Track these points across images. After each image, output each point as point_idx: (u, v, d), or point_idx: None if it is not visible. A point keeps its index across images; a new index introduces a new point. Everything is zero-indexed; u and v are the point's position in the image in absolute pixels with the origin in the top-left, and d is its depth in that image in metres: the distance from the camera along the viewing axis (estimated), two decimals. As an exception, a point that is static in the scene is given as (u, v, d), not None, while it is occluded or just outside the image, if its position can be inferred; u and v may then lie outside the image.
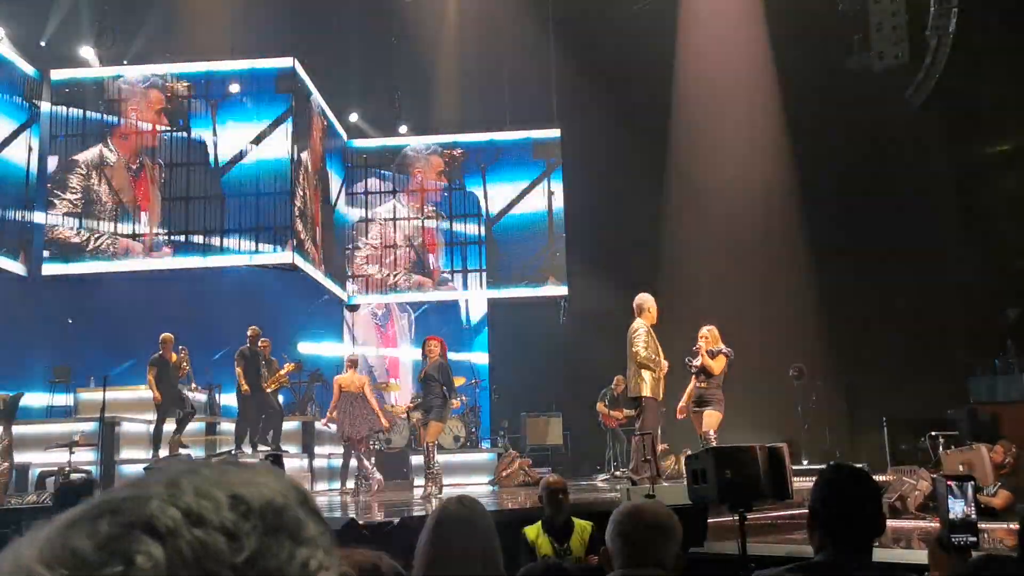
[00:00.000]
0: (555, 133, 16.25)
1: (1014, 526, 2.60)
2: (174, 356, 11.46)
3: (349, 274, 16.20)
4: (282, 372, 12.24)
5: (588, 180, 15.73)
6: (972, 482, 2.26)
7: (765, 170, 14.61)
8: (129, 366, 13.23)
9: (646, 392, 8.57)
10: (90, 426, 10.84)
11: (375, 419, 11.34)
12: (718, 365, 8.90)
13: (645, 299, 8.93)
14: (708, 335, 9.02)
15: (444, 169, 16.41)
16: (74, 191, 13.43)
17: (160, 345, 11.50)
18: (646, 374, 8.56)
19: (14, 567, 0.54)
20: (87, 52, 14.16)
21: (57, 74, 13.74)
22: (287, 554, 0.57)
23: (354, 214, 16.47)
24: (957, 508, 2.20)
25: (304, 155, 13.95)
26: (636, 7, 15.85)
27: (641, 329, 8.70)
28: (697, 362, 8.92)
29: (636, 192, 15.90)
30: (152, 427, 11.26)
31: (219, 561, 0.54)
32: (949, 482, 2.24)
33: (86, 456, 10.34)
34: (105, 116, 13.74)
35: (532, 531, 5.45)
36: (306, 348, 16.02)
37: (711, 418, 8.85)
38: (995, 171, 14.64)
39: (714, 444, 8.03)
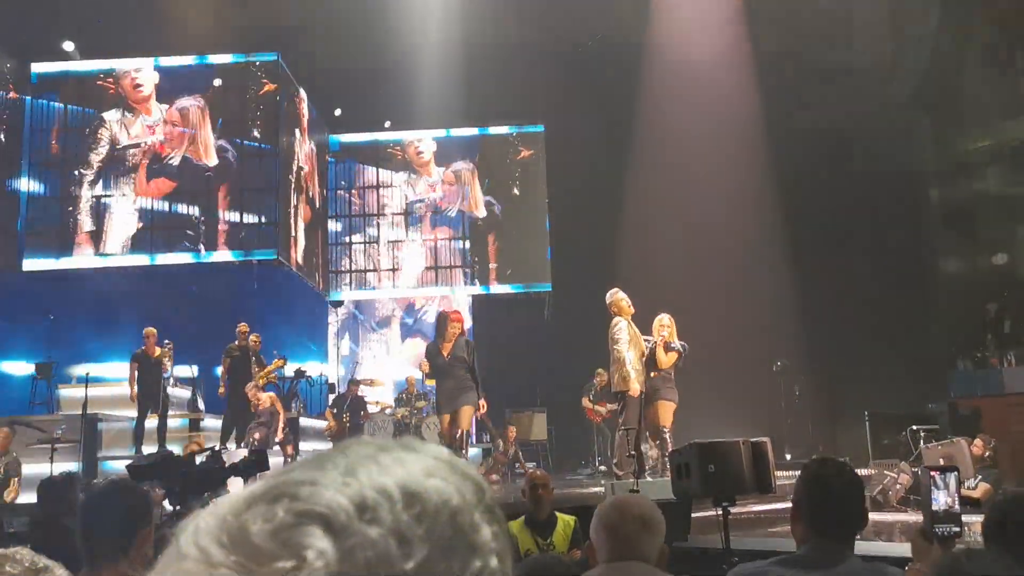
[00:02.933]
0: (538, 128, 16.26)
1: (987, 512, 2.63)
2: (157, 351, 11.39)
3: (333, 270, 16.17)
4: (270, 368, 12.20)
5: (572, 176, 15.73)
6: (955, 473, 2.27)
7: (747, 165, 14.64)
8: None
9: (635, 390, 8.54)
10: (72, 423, 10.76)
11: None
12: (669, 360, 8.75)
13: (614, 295, 8.79)
14: (671, 325, 8.84)
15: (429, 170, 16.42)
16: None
17: (143, 340, 11.44)
18: (629, 369, 8.55)
19: (192, 539, 0.52)
20: (68, 45, 14.05)
21: (38, 67, 13.63)
22: (459, 564, 0.54)
23: (339, 210, 16.42)
24: (940, 499, 2.21)
25: (289, 149, 13.90)
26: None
27: (622, 324, 8.66)
28: (648, 346, 8.79)
29: (620, 188, 15.90)
30: (134, 424, 11.20)
31: (387, 567, 0.51)
32: (933, 473, 2.25)
33: (68, 453, 10.26)
34: (86, 109, 13.65)
35: (515, 525, 5.45)
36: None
37: (667, 410, 8.71)
38: (977, 167, 14.74)
39: (669, 444, 8.06)
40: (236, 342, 12.03)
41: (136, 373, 11.21)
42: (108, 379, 12.65)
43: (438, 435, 13.30)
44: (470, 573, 0.54)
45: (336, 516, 0.51)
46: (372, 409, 13.94)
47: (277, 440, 10.86)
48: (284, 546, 0.50)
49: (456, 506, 0.55)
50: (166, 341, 11.66)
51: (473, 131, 16.54)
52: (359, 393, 13.69)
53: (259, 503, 0.52)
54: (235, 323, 12.13)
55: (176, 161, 13.56)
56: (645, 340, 8.83)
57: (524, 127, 16.33)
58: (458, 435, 8.90)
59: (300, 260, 14.39)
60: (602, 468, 11.82)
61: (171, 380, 12.24)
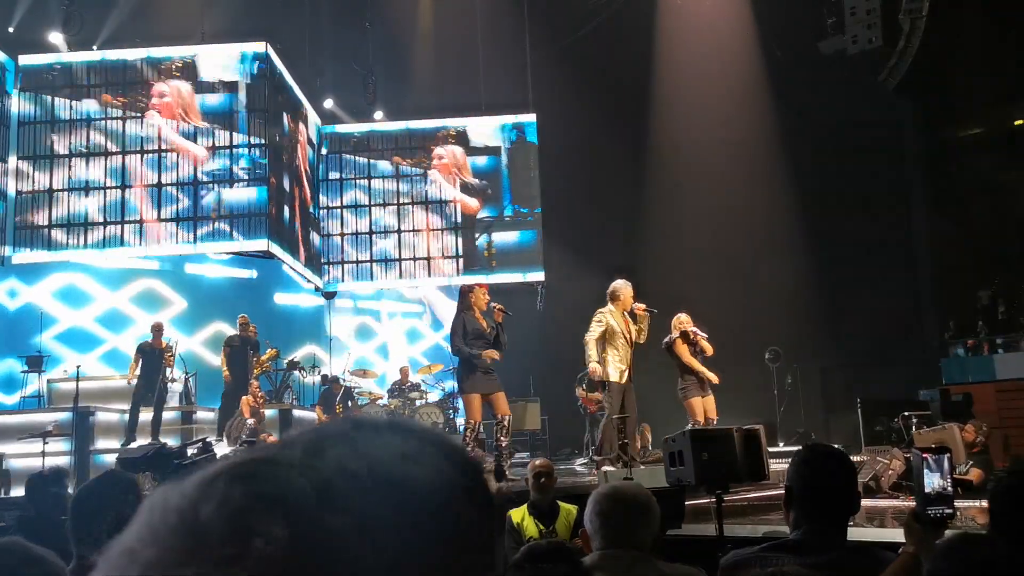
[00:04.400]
0: (531, 118, 16.20)
1: (986, 503, 2.63)
2: (163, 343, 11.40)
3: (326, 261, 16.11)
4: (264, 358, 12.20)
5: (565, 164, 15.70)
6: (948, 454, 2.26)
7: (741, 154, 14.66)
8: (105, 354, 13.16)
9: (615, 378, 8.55)
10: (63, 415, 10.74)
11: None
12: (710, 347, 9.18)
13: (615, 286, 8.86)
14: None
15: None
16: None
17: (151, 332, 11.44)
18: (609, 357, 8.56)
19: (149, 516, 0.49)
20: (56, 38, 13.95)
21: (26, 60, 13.52)
22: (431, 557, 0.49)
23: (330, 200, 16.36)
24: (933, 481, 2.20)
25: (278, 140, 13.83)
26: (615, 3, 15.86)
27: (599, 315, 8.68)
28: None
29: (613, 175, 15.91)
30: (127, 416, 11.16)
31: (345, 557, 0.46)
32: (925, 455, 2.24)
33: (60, 446, 10.24)
34: (75, 104, 13.55)
35: (517, 514, 5.48)
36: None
37: (713, 403, 9.12)
38: (968, 154, 14.75)
39: None
40: (237, 333, 12.07)
41: (139, 363, 11.23)
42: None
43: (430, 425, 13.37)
44: (443, 566, 0.50)
45: (295, 501, 0.47)
46: (362, 401, 13.92)
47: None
48: (234, 531, 0.47)
49: (433, 494, 0.51)
50: (171, 337, 11.66)
51: (465, 120, 16.46)
52: (347, 384, 13.66)
53: (220, 481, 0.49)
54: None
55: (165, 151, 13.49)
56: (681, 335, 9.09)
57: (516, 115, 16.26)
58: (505, 420, 8.55)
59: (290, 252, 14.33)
60: (596, 458, 11.84)
61: (171, 375, 12.21)
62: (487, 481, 0.56)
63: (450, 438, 0.57)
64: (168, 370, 11.98)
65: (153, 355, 11.25)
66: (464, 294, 8.80)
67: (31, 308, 13.71)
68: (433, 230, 16.23)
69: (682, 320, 9.24)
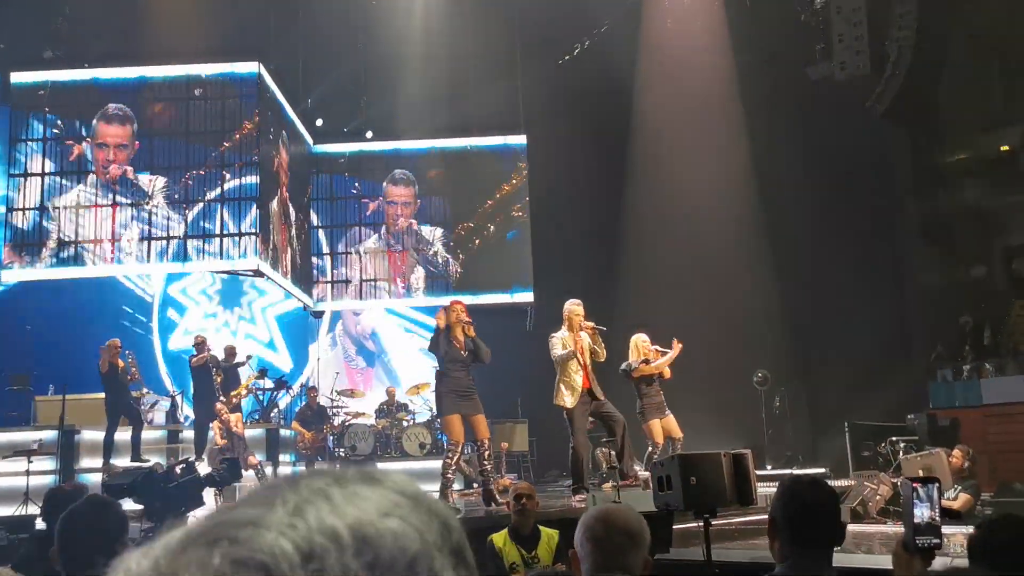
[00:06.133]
0: (521, 140, 16.29)
1: (966, 543, 2.65)
2: (120, 363, 11.20)
3: (315, 280, 16.12)
4: (241, 388, 11.98)
5: (555, 186, 15.76)
6: (937, 484, 2.28)
7: (729, 178, 14.72)
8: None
9: (566, 403, 8.28)
10: (49, 434, 10.66)
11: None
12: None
13: (564, 308, 8.55)
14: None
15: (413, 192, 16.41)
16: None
17: (106, 351, 11.20)
18: (560, 384, 8.30)
19: None
20: (48, 55, 13.96)
21: (18, 77, 13.52)
22: None
23: (321, 220, 16.38)
24: (922, 511, 2.21)
25: (269, 159, 13.86)
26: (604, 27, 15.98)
27: (554, 340, 8.39)
28: (635, 366, 8.92)
29: (603, 198, 15.95)
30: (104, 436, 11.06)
31: None
32: (915, 485, 2.25)
33: (45, 465, 10.16)
34: (66, 120, 13.56)
35: (499, 538, 5.43)
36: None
37: (675, 422, 8.93)
38: (954, 180, 14.86)
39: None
40: (195, 354, 11.85)
41: (106, 385, 11.07)
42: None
43: (418, 446, 13.29)
44: None
45: (277, 565, 0.47)
46: (341, 419, 13.74)
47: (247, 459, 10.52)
48: None
49: (415, 552, 0.51)
50: (127, 351, 11.53)
51: (456, 141, 16.53)
52: (320, 402, 13.53)
53: (196, 546, 0.48)
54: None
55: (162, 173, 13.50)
56: (643, 362, 8.90)
57: (507, 137, 16.34)
58: (483, 445, 8.28)
59: (280, 270, 14.33)
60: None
61: (142, 389, 12.11)
62: (461, 531, 0.56)
63: (422, 490, 0.57)
64: (140, 387, 11.88)
65: (113, 375, 11.07)
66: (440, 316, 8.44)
67: (19, 325, 13.61)
68: (422, 250, 16.27)
69: (644, 341, 9.04)
